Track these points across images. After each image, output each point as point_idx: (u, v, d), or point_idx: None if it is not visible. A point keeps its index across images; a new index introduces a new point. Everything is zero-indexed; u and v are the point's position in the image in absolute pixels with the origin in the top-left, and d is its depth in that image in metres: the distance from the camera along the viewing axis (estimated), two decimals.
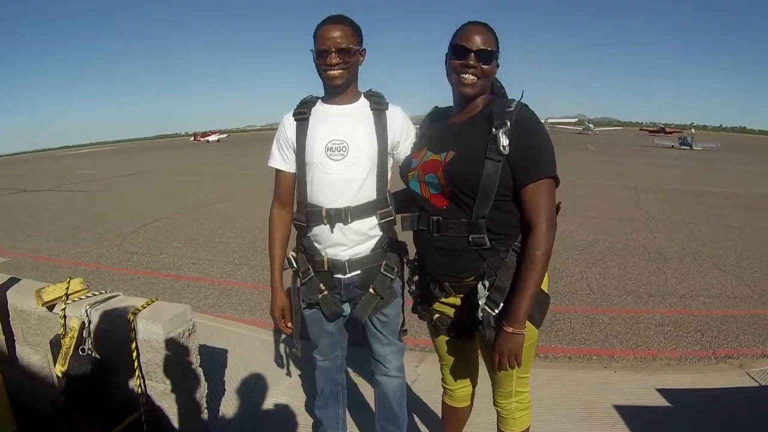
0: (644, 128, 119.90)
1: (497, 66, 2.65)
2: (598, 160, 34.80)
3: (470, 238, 2.55)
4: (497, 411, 3.03)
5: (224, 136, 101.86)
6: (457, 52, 2.60)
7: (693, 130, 73.07)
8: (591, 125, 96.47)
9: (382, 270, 3.11)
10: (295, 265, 3.25)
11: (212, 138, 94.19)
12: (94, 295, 3.68)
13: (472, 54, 2.54)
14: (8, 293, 3.96)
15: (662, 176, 23.87)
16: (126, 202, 18.52)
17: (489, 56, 2.55)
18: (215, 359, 5.12)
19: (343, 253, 3.04)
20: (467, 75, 2.59)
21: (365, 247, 3.06)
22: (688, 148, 49.07)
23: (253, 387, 4.86)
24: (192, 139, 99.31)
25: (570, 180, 19.15)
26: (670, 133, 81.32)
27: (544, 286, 2.66)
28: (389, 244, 3.12)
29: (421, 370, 5.03)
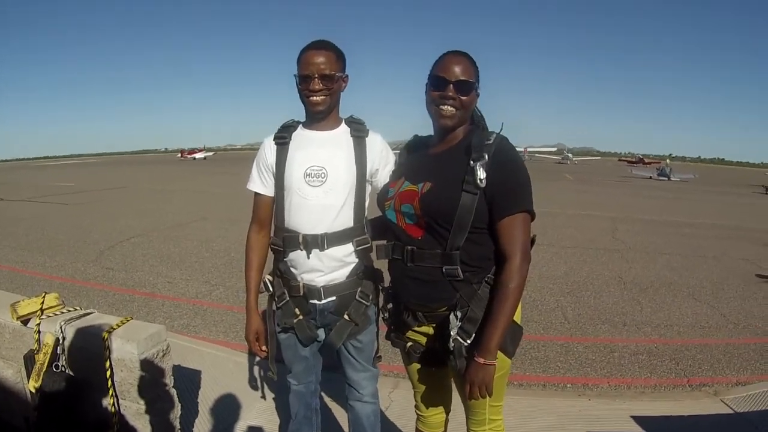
0: (623, 159, 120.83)
1: (477, 95, 2.66)
2: (577, 189, 35.08)
3: (444, 269, 2.56)
4: None
5: (210, 154, 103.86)
6: (436, 83, 2.62)
7: (668, 161, 73.50)
8: (570, 155, 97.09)
9: (357, 297, 3.11)
10: (271, 289, 3.24)
11: (199, 155, 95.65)
12: (69, 311, 3.65)
13: (451, 85, 2.56)
14: None
15: (640, 207, 24.11)
16: (104, 216, 18.44)
17: (468, 87, 2.57)
18: (189, 380, 5.07)
19: (318, 279, 3.04)
20: (446, 107, 2.60)
21: (341, 274, 3.07)
22: (666, 179, 49.50)
23: (227, 409, 4.83)
24: (179, 155, 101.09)
25: (548, 209, 19.30)
26: (649, 163, 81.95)
27: (517, 317, 2.67)
28: (365, 272, 3.13)
29: (395, 396, 5.02)
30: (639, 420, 4.75)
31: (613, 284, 9.95)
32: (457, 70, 2.56)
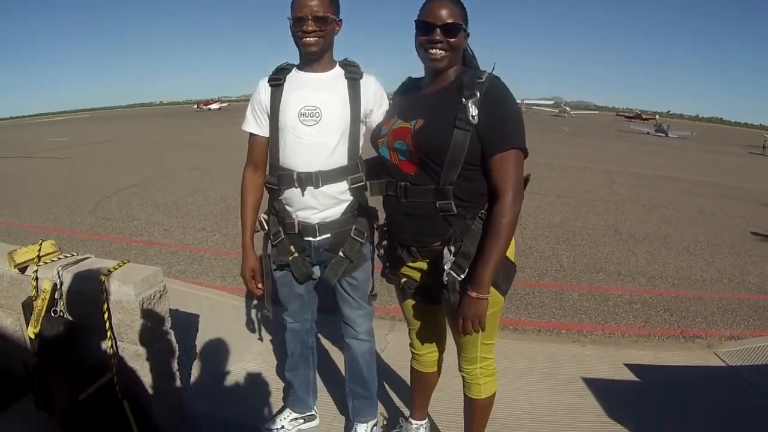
0: (620, 113, 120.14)
1: (467, 36, 2.66)
2: (574, 142, 34.99)
3: (437, 204, 2.58)
4: (462, 377, 3.06)
5: (225, 105, 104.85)
6: (422, 28, 2.61)
7: (657, 117, 73.37)
8: (567, 108, 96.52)
9: (352, 234, 3.14)
10: (266, 228, 3.28)
11: (214, 106, 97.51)
12: (66, 257, 3.64)
13: (438, 29, 2.55)
14: None
15: (637, 161, 24.11)
16: (98, 169, 18.42)
17: (455, 29, 2.56)
18: (187, 324, 5.09)
19: (313, 216, 3.07)
20: (434, 50, 2.59)
21: (336, 211, 3.09)
22: (664, 135, 49.36)
23: (225, 351, 4.88)
24: (195, 107, 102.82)
25: (544, 161, 19.33)
26: (647, 119, 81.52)
27: (511, 255, 2.69)
28: (359, 209, 3.15)
29: (391, 338, 5.07)
30: (632, 367, 4.80)
31: (609, 234, 10.01)
32: (443, 14, 2.55)
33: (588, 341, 5.55)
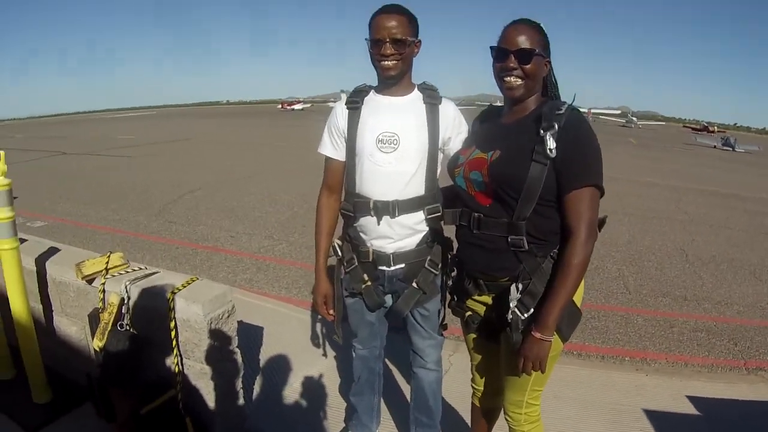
0: (687, 125, 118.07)
1: (547, 64, 2.63)
2: (640, 155, 34.29)
3: (509, 239, 2.55)
4: (507, 421, 3.04)
5: (308, 105, 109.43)
6: (497, 54, 2.60)
7: (716, 128, 72.33)
8: (634, 118, 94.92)
9: (426, 265, 3.13)
10: (340, 254, 3.28)
11: (297, 107, 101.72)
12: (134, 270, 3.71)
13: (512, 55, 2.53)
14: (47, 264, 4.04)
15: (704, 176, 23.56)
16: (165, 169, 18.71)
17: (529, 56, 2.52)
18: (251, 336, 5.17)
19: (388, 246, 3.07)
20: (510, 78, 2.57)
21: (411, 242, 3.09)
22: (731, 149, 48.40)
23: (288, 366, 4.91)
24: (279, 106, 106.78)
25: (610, 174, 18.90)
26: (713, 132, 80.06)
27: (578, 300, 2.66)
28: (435, 240, 3.14)
29: (455, 360, 5.09)
30: (694, 400, 4.71)
31: (675, 256, 9.81)
32: (518, 40, 2.53)
33: (651, 370, 5.47)
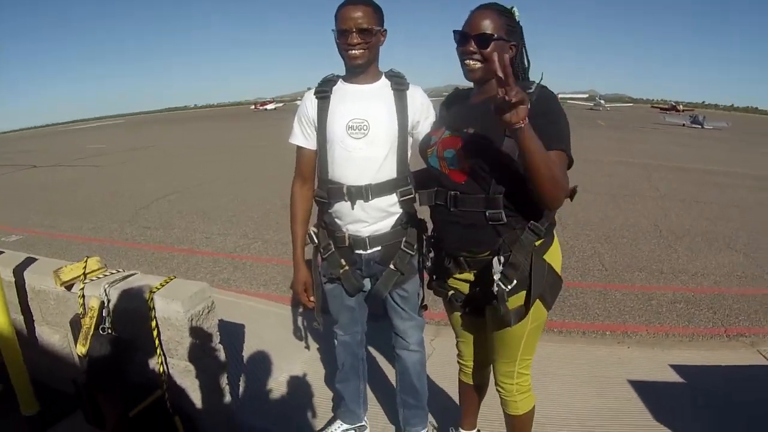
0: (655, 105, 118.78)
1: (512, 48, 2.65)
2: (610, 136, 34.64)
3: (487, 213, 2.57)
4: (499, 393, 3.07)
5: (280, 105, 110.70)
6: (459, 38, 2.64)
7: (682, 106, 72.78)
8: (602, 101, 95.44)
9: (402, 246, 3.16)
10: (316, 241, 3.30)
11: (270, 107, 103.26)
12: (112, 273, 3.69)
13: (471, 40, 2.57)
14: (26, 273, 4.00)
15: (674, 154, 23.87)
16: (136, 176, 18.62)
17: (487, 40, 2.55)
18: (232, 334, 5.15)
19: (364, 230, 3.10)
20: (470, 61, 2.62)
21: (386, 224, 3.12)
22: (699, 126, 48.80)
23: (272, 361, 4.92)
24: (252, 107, 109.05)
25: (581, 155, 18.99)
26: (682, 111, 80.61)
27: (557, 267, 2.71)
28: (409, 221, 3.17)
29: (437, 344, 5.12)
30: (677, 369, 4.78)
31: (649, 231, 9.94)
32: (480, 24, 2.56)
33: (633, 342, 5.54)
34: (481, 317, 2.90)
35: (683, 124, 51.29)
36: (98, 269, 3.71)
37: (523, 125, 2.17)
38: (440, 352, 4.90)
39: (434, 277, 3.07)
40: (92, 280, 3.60)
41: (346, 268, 3.20)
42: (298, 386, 4.60)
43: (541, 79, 2.63)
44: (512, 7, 2.65)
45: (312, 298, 3.40)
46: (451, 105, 2.98)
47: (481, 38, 2.55)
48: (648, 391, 4.38)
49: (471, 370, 3.35)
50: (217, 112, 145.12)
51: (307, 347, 5.25)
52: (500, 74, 2.05)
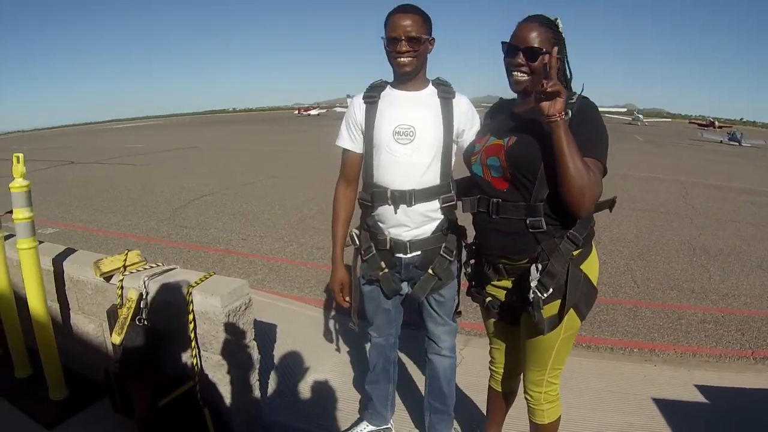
0: (693, 121, 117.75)
1: (559, 60, 2.67)
2: (647, 151, 34.25)
3: (527, 221, 2.63)
4: (526, 400, 3.11)
5: (323, 111, 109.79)
6: (507, 50, 2.70)
7: (717, 122, 72.34)
8: (640, 115, 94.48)
9: (441, 252, 3.23)
10: (357, 242, 3.38)
11: (313, 112, 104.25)
12: (152, 267, 3.80)
13: (520, 52, 2.64)
14: (65, 263, 4.14)
15: (710, 171, 23.52)
16: (174, 176, 18.81)
17: (536, 54, 2.62)
18: (264, 334, 5.23)
19: (405, 234, 3.17)
20: (517, 73, 2.68)
21: (427, 229, 3.18)
22: (737, 144, 48.23)
23: (302, 361, 4.99)
24: (296, 112, 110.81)
25: (617, 171, 18.98)
26: (720, 127, 79.75)
27: (593, 278, 2.77)
28: (449, 228, 3.24)
29: (466, 353, 5.15)
30: (702, 389, 4.76)
31: (683, 250, 9.84)
32: (528, 37, 2.62)
33: (660, 361, 5.52)
34: (516, 325, 2.96)
35: (721, 141, 50.73)
36: (138, 262, 3.82)
37: (558, 119, 2.30)
38: (469, 361, 4.93)
39: (473, 283, 3.13)
40: (131, 272, 3.71)
41: (386, 270, 3.27)
42: (327, 387, 4.66)
43: (582, 89, 2.71)
44: (556, 19, 2.72)
45: (347, 299, 3.47)
46: (496, 114, 3.04)
47: (530, 51, 2.62)
48: (672, 410, 4.37)
49: (501, 377, 3.39)
50: (257, 116, 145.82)
51: (338, 349, 5.31)
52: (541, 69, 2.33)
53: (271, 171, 19.46)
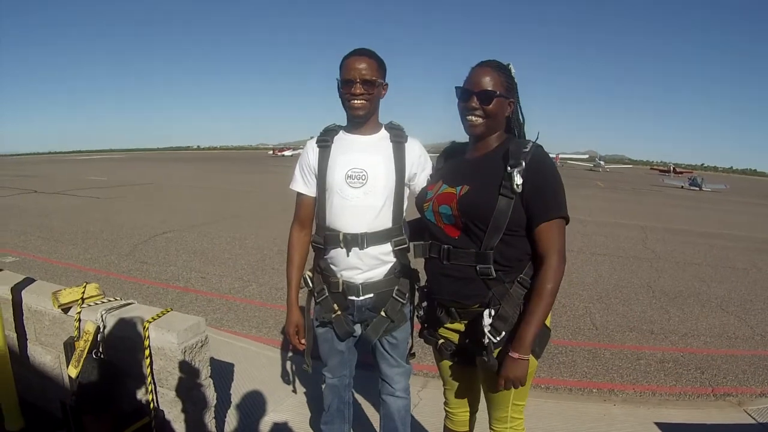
0: (654, 167, 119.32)
1: (510, 104, 2.76)
2: (608, 197, 34.66)
3: (477, 268, 2.66)
4: None
5: (297, 152, 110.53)
6: (461, 93, 2.75)
7: (673, 167, 73.57)
8: (602, 162, 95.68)
9: (394, 294, 3.22)
10: (311, 285, 3.34)
11: (287, 153, 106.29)
12: (110, 300, 3.78)
13: (474, 96, 2.68)
14: (24, 293, 4.09)
15: (671, 216, 23.83)
16: (137, 211, 18.69)
17: (490, 97, 2.66)
18: (222, 372, 5.18)
19: (357, 277, 3.14)
20: (471, 117, 2.72)
21: (379, 272, 3.17)
22: (698, 188, 48.89)
23: (259, 401, 4.93)
24: (271, 152, 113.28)
25: (579, 216, 19.27)
26: (680, 173, 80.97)
27: (547, 321, 2.75)
28: (402, 271, 3.23)
29: (424, 395, 5.13)
30: (662, 426, 4.79)
31: (642, 292, 9.91)
32: (481, 81, 2.67)
33: (619, 400, 5.54)
34: (471, 365, 2.94)
35: (681, 186, 51.41)
36: (96, 295, 3.80)
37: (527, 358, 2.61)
38: (427, 403, 4.91)
39: (426, 325, 3.12)
40: (89, 305, 3.70)
41: (339, 312, 3.24)
42: (284, 427, 4.61)
43: (537, 138, 2.72)
44: (508, 64, 2.77)
45: (303, 341, 3.42)
46: (449, 158, 3.08)
47: (484, 95, 2.66)
48: None
49: (456, 417, 3.38)
50: (223, 154, 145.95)
51: (295, 390, 5.25)
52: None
53: (235, 210, 19.41)
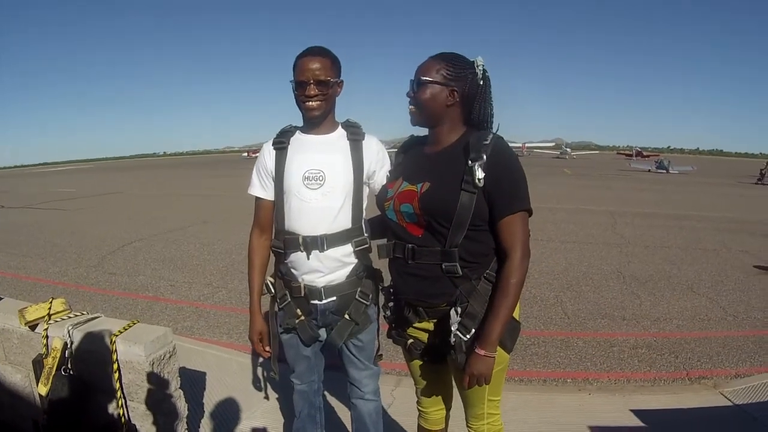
0: (621, 152, 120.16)
1: (453, 93, 2.69)
2: (575, 184, 34.95)
3: (443, 266, 2.62)
4: None
5: None
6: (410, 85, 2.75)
7: (638, 150, 74.41)
8: (568, 149, 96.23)
9: (357, 296, 3.17)
10: (272, 291, 3.30)
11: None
12: (76, 315, 3.72)
13: (411, 83, 2.71)
14: None
15: (639, 200, 24.10)
16: (104, 221, 18.51)
17: (420, 84, 2.67)
18: (194, 381, 5.12)
19: (319, 280, 3.10)
20: (411, 106, 2.74)
21: (341, 274, 3.12)
22: (665, 171, 49.28)
23: (232, 409, 4.88)
24: (245, 155, 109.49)
25: (547, 205, 19.37)
26: (647, 156, 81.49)
27: (516, 314, 2.72)
28: (364, 272, 3.19)
29: (397, 394, 5.09)
30: (638, 413, 4.80)
31: (613, 279, 9.97)
32: (418, 71, 2.71)
33: (594, 389, 5.55)
34: (442, 364, 2.91)
35: (649, 170, 51.82)
36: (63, 311, 3.73)
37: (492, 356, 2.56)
38: (401, 402, 4.87)
39: (394, 326, 3.08)
40: (56, 321, 3.63)
41: (302, 318, 3.19)
42: None
43: (497, 129, 2.69)
44: (474, 61, 2.72)
45: (267, 348, 3.37)
46: (407, 151, 3.03)
47: (417, 83, 2.68)
48: None
49: (430, 416, 3.35)
50: (191, 159, 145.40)
51: (267, 397, 5.21)
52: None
53: (205, 216, 19.32)
